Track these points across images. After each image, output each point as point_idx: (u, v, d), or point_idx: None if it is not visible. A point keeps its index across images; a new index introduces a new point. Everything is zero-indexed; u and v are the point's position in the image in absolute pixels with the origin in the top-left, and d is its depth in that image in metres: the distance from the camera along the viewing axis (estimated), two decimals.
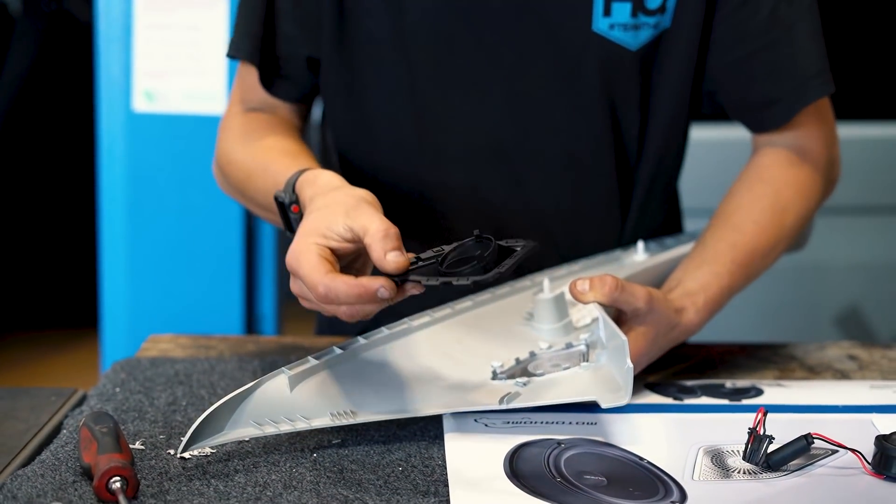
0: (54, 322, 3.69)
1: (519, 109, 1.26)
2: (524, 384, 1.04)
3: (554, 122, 1.27)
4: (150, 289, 2.24)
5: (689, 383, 1.17)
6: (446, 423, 1.03)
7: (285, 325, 2.44)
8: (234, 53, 1.32)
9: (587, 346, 1.08)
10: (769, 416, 0.99)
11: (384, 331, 1.07)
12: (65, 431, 1.02)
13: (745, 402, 1.11)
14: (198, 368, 1.20)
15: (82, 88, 2.78)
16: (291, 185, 1.12)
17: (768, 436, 0.95)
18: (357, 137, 1.33)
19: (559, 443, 1.00)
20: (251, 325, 2.27)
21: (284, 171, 1.15)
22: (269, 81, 1.32)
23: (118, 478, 0.87)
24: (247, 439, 0.98)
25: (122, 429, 0.99)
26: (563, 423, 1.03)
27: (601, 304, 1.06)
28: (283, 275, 2.34)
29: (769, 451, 0.95)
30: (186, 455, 0.97)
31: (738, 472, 0.95)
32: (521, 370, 1.07)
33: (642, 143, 1.30)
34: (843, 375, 1.24)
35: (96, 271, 2.29)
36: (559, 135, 1.28)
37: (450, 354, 1.08)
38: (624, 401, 0.98)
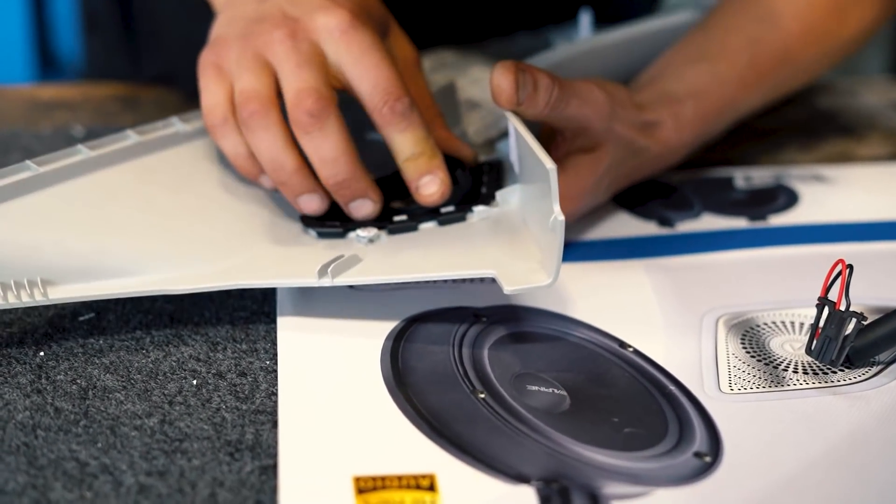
0: None
1: None
2: (369, 241, 0.60)
3: None
4: None
5: (681, 183, 0.74)
6: (280, 295, 0.59)
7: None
8: None
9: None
10: (806, 248, 0.62)
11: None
12: None
13: (774, 221, 0.69)
14: None
15: None
16: None
17: (857, 313, 0.53)
18: None
19: (476, 315, 0.58)
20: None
21: None
22: None
23: None
24: None
25: None
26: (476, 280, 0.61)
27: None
28: None
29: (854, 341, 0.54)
30: None
31: (795, 373, 0.54)
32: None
33: None
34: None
35: None
36: None
37: (231, 189, 0.63)
38: (546, 281, 0.54)
